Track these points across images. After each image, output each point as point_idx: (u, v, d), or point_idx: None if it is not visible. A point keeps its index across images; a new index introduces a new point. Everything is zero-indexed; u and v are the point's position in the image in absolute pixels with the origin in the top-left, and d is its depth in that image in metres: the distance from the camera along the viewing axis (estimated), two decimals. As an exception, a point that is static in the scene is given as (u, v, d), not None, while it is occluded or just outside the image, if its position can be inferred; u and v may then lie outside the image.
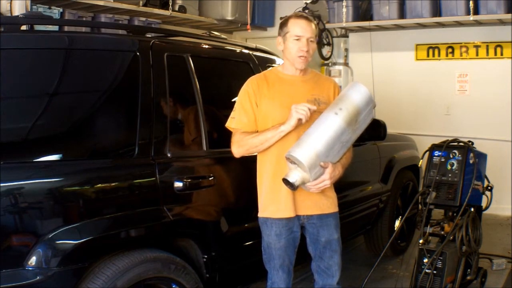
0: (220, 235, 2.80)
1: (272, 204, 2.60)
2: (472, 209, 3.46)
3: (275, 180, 2.57)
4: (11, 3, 4.40)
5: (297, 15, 2.63)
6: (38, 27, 3.01)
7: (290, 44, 2.58)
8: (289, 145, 2.47)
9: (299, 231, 2.65)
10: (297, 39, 2.56)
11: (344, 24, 6.96)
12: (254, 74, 2.81)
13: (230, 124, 2.61)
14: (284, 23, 2.63)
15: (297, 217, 2.62)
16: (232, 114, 2.61)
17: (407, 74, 6.82)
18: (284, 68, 2.68)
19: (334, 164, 2.50)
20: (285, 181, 2.43)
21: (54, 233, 2.15)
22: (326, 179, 2.46)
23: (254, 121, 2.58)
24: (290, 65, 2.63)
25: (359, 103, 2.51)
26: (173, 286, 2.51)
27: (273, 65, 3.26)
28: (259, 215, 2.66)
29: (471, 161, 3.45)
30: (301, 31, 2.56)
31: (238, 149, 2.59)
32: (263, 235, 2.66)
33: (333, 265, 2.67)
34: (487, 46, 6.38)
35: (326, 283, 2.68)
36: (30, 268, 2.11)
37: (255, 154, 2.63)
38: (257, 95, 2.57)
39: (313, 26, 2.61)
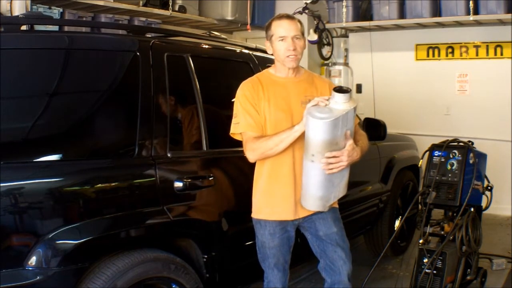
0: (220, 235, 2.80)
1: (267, 206, 2.60)
2: (472, 209, 3.46)
3: (270, 183, 2.58)
4: (11, 3, 4.40)
5: (279, 16, 2.62)
6: (38, 27, 3.00)
7: (277, 46, 2.56)
8: (289, 148, 2.49)
9: (294, 230, 2.65)
10: (282, 39, 2.55)
11: (344, 24, 6.96)
12: (254, 74, 2.81)
13: (235, 130, 2.56)
14: (268, 27, 2.62)
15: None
16: (235, 120, 2.57)
17: (407, 74, 6.82)
18: (277, 70, 2.66)
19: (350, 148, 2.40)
20: None
21: (54, 233, 2.15)
22: (343, 160, 2.38)
23: (260, 120, 2.54)
24: (282, 67, 2.62)
25: (325, 138, 2.33)
26: (173, 286, 2.51)
27: (273, 65, 3.26)
28: (253, 216, 2.66)
29: (471, 161, 3.45)
30: (284, 31, 2.55)
31: (252, 153, 2.52)
32: (257, 235, 2.66)
33: (337, 260, 2.62)
34: (487, 46, 6.39)
35: (334, 280, 2.64)
36: (30, 268, 2.11)
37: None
38: (254, 97, 2.55)
39: (297, 23, 2.59)
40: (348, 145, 2.39)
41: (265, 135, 2.53)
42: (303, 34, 2.61)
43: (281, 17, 2.61)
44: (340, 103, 2.33)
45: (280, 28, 2.56)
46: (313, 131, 2.33)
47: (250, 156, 2.54)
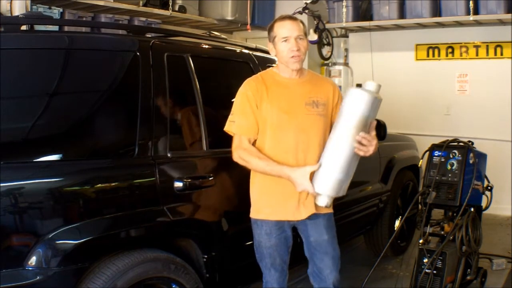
0: (220, 235, 2.80)
1: (268, 206, 2.59)
2: (472, 209, 3.46)
3: (270, 183, 2.56)
4: (11, 3, 4.40)
5: (281, 17, 2.60)
6: (38, 27, 3.00)
7: (280, 47, 2.55)
8: (286, 151, 2.50)
9: (290, 231, 2.65)
10: (285, 40, 2.53)
11: (344, 24, 6.96)
12: (254, 74, 2.80)
13: (229, 128, 2.57)
14: (270, 28, 2.61)
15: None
16: (231, 117, 2.57)
17: (407, 74, 6.82)
18: (280, 70, 2.65)
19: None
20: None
21: (54, 233, 2.16)
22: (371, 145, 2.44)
23: (255, 124, 2.54)
24: (286, 68, 2.61)
25: (364, 113, 2.41)
26: (173, 286, 2.51)
27: (273, 65, 3.26)
28: (252, 216, 2.65)
29: (471, 161, 3.45)
30: (287, 31, 2.53)
31: (238, 159, 2.55)
32: (254, 234, 2.65)
33: (324, 269, 2.62)
34: (487, 46, 6.38)
35: (320, 287, 2.66)
36: (30, 268, 2.11)
37: None
38: (257, 98, 2.53)
39: (300, 23, 2.58)
40: (373, 135, 2.45)
41: (257, 148, 2.54)
42: (305, 34, 2.60)
43: (284, 18, 2.59)
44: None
45: (283, 29, 2.54)
46: (356, 103, 2.40)
47: (235, 158, 2.57)
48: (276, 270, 2.63)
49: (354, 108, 2.41)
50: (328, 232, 2.64)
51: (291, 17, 2.60)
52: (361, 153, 2.42)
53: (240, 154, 2.54)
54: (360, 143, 2.38)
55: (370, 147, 2.41)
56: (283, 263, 2.64)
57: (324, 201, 2.45)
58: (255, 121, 2.54)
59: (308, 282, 2.77)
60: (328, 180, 2.42)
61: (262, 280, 2.70)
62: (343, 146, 2.41)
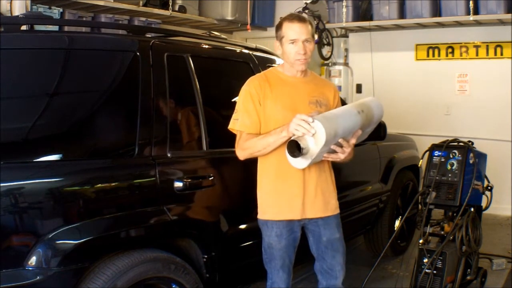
0: (220, 235, 2.80)
1: (274, 206, 2.59)
2: (472, 209, 3.46)
3: (277, 182, 2.57)
4: (11, 3, 4.40)
5: (291, 18, 2.57)
6: (38, 27, 3.01)
7: (287, 49, 2.55)
8: None
9: (299, 231, 2.65)
10: (293, 43, 2.53)
11: (344, 24, 6.96)
12: (254, 74, 2.80)
13: (233, 126, 2.58)
14: (279, 26, 2.60)
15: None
16: (234, 115, 2.58)
17: (407, 74, 6.82)
18: (285, 69, 2.66)
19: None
20: (291, 147, 2.32)
21: (54, 233, 2.16)
22: (345, 152, 2.48)
23: (258, 122, 2.54)
24: (291, 67, 2.62)
25: (375, 116, 2.65)
26: (173, 286, 2.52)
27: (273, 65, 3.26)
28: (260, 217, 2.65)
29: (471, 161, 3.45)
30: (295, 34, 2.52)
31: (241, 152, 2.56)
32: (263, 236, 2.65)
33: (335, 265, 2.66)
34: (487, 46, 6.38)
35: (330, 284, 2.68)
36: (30, 268, 2.11)
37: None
38: (260, 95, 2.54)
39: (308, 26, 2.56)
40: (352, 143, 2.52)
41: (258, 135, 2.54)
42: (313, 36, 2.59)
43: (293, 19, 2.56)
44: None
45: (291, 31, 2.53)
46: (378, 108, 2.70)
47: (239, 154, 2.58)
48: (284, 271, 2.63)
49: (372, 105, 2.64)
50: (339, 230, 2.70)
51: (300, 19, 2.57)
52: (329, 158, 2.50)
53: (241, 145, 2.55)
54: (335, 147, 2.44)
55: (342, 154, 2.47)
56: (290, 263, 2.66)
57: (305, 143, 2.32)
58: (257, 119, 2.55)
59: (308, 282, 2.77)
60: (333, 125, 2.35)
61: (266, 280, 2.69)
62: (353, 118, 2.49)
